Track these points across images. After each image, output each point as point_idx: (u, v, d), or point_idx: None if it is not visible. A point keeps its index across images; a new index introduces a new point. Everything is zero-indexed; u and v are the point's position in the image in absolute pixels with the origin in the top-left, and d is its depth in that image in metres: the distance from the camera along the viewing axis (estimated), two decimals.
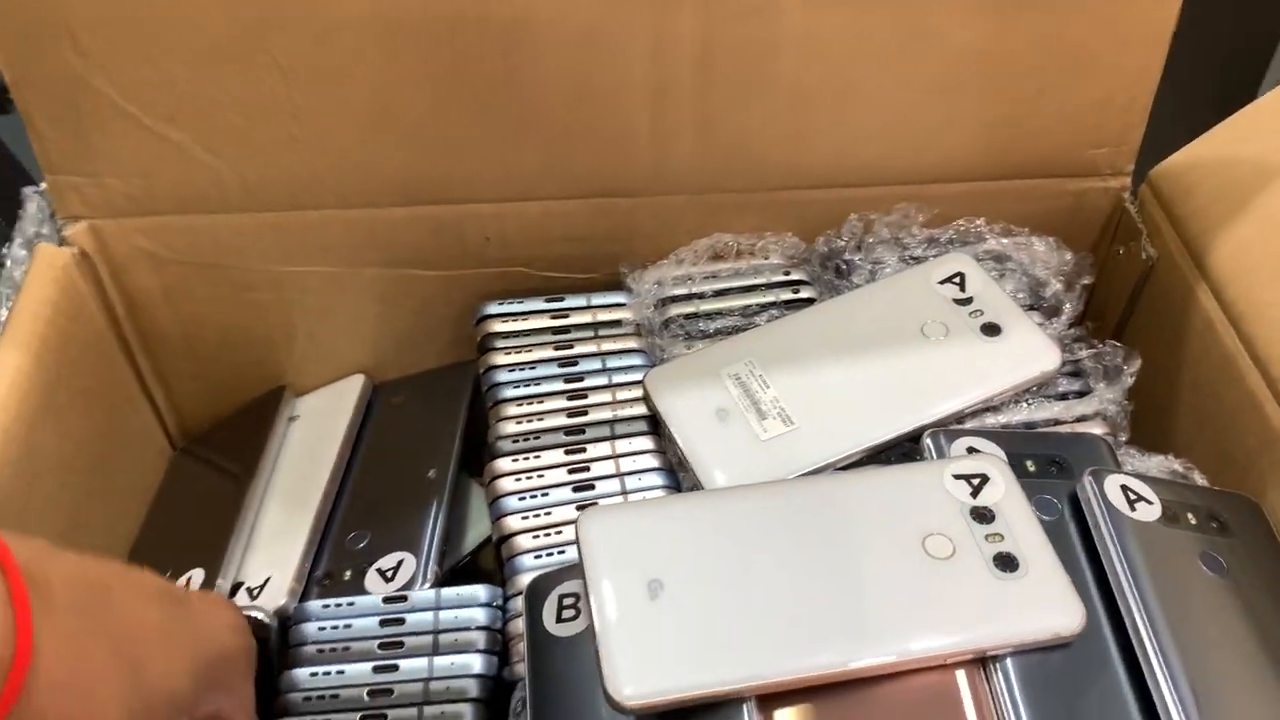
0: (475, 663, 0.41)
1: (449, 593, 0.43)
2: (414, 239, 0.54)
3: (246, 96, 0.48)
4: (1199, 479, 0.46)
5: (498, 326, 0.52)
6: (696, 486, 0.45)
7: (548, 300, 0.53)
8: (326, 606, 0.43)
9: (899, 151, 0.53)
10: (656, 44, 0.48)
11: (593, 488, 0.47)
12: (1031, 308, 0.52)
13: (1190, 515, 0.42)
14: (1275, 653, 0.39)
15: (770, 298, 0.53)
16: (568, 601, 0.40)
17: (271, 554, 0.50)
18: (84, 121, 0.49)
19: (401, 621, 0.42)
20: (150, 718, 0.30)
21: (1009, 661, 0.38)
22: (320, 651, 0.42)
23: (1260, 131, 0.51)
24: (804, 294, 0.53)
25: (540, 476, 0.47)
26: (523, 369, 0.51)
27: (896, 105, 0.51)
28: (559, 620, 0.40)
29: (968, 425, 0.46)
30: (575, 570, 0.40)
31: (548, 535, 0.45)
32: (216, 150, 0.50)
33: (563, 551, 0.45)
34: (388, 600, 0.43)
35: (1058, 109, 0.51)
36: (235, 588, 0.48)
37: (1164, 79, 0.51)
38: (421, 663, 0.41)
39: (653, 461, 0.48)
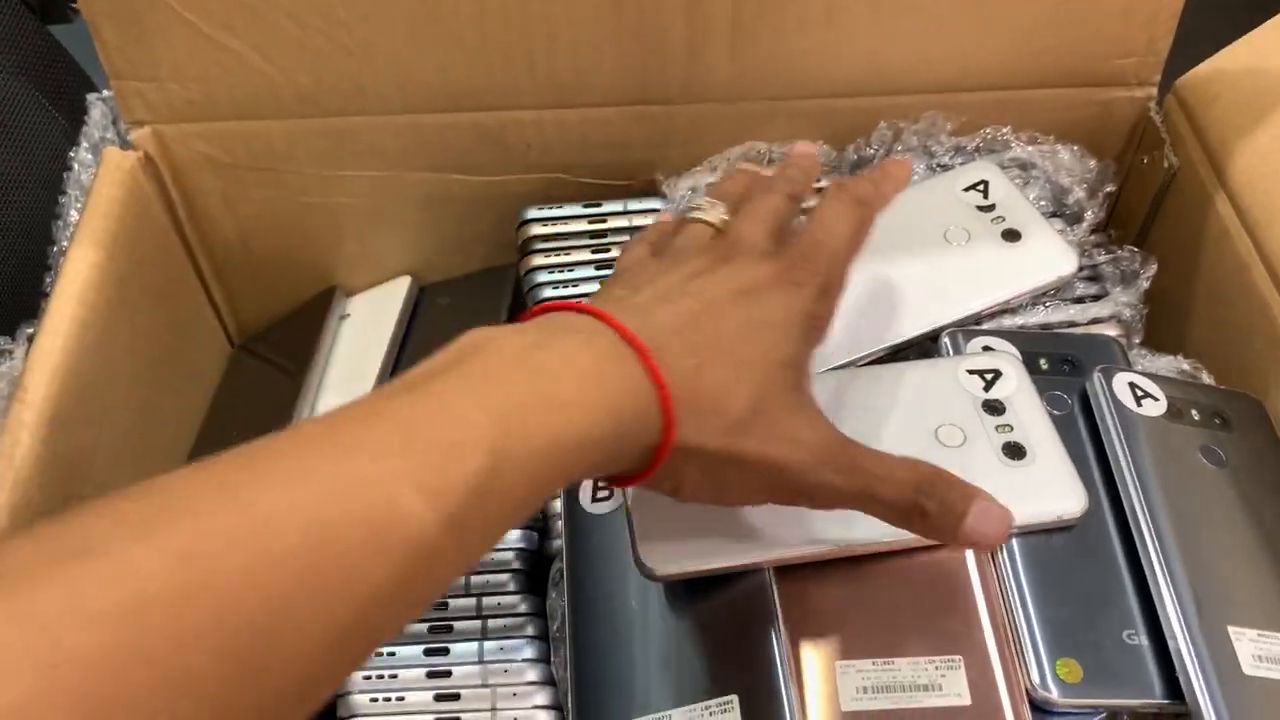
0: (516, 536, 0.44)
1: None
2: (458, 145, 0.56)
3: (298, 5, 0.51)
4: (1207, 379, 0.48)
5: (538, 230, 0.55)
6: None
7: (586, 205, 0.56)
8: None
9: (929, 59, 0.54)
10: None
11: None
12: (1054, 214, 0.53)
13: (1194, 411, 0.45)
14: (1267, 541, 0.42)
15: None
16: (602, 482, 0.43)
17: None
18: (146, 29, 0.51)
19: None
20: (774, 381, 0.34)
21: (1015, 545, 0.41)
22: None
23: None
24: None
25: None
26: (562, 270, 0.53)
27: (927, 12, 0.52)
28: (594, 500, 0.43)
29: (984, 325, 0.49)
30: None
31: None
32: (271, 58, 0.52)
33: None
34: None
35: (1086, 18, 0.52)
36: None
37: None
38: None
39: None
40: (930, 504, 0.34)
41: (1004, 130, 0.55)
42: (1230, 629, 0.38)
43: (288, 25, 0.51)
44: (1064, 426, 0.44)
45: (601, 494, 0.43)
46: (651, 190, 0.57)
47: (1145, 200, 0.56)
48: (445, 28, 0.52)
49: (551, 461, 0.29)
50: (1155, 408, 0.44)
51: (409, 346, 0.59)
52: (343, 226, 0.60)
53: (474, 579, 0.43)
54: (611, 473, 0.33)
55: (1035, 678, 0.38)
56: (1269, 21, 0.52)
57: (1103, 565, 0.41)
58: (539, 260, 0.54)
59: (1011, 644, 0.38)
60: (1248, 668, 0.38)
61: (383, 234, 0.60)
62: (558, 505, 0.45)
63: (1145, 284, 0.49)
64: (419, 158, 0.56)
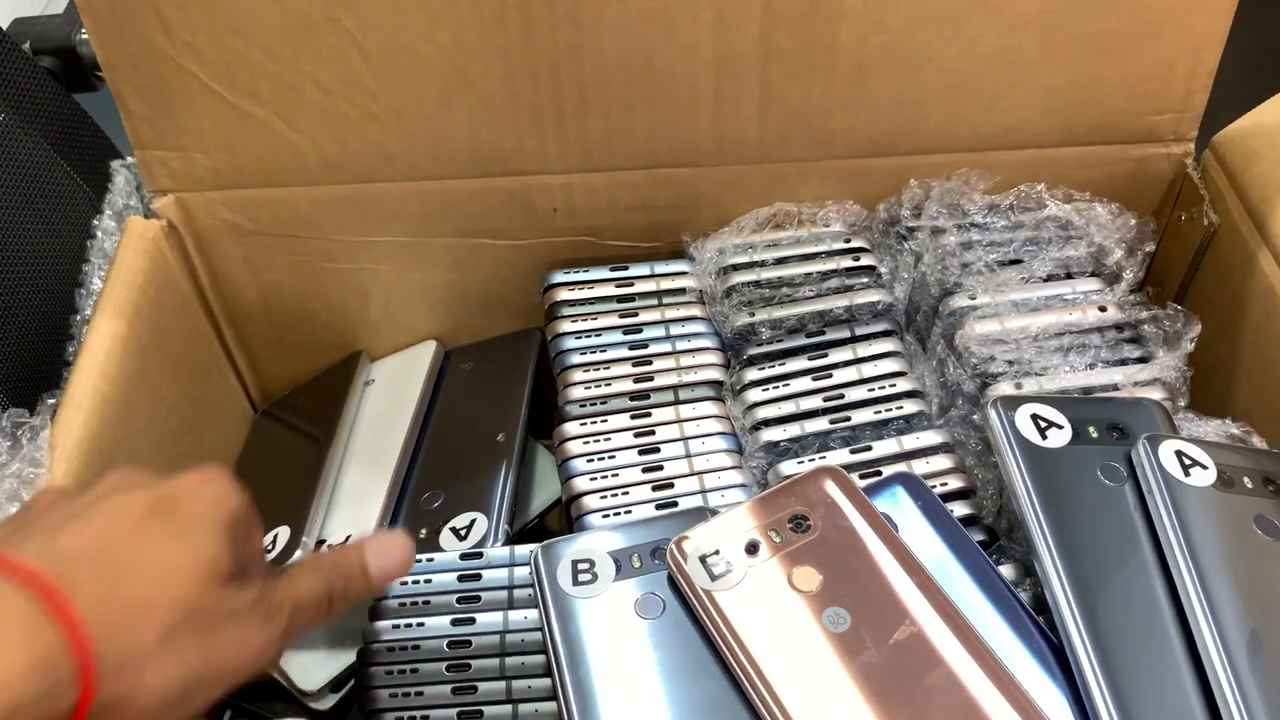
0: None
1: (522, 550, 0.45)
2: (485, 209, 0.55)
3: (324, 73, 0.50)
4: (1258, 443, 0.46)
5: (564, 295, 0.54)
6: None
7: (613, 269, 0.55)
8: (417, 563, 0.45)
9: (960, 119, 0.53)
10: (719, 15, 0.49)
11: (658, 450, 0.49)
12: (1093, 274, 0.52)
13: (1246, 479, 0.43)
14: None
15: (831, 265, 0.54)
16: (582, 566, 0.42)
17: (351, 512, 0.52)
18: (172, 98, 0.51)
19: (478, 577, 0.44)
20: (194, 618, 0.31)
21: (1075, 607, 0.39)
22: (402, 605, 0.44)
23: None
24: (864, 261, 0.54)
25: (607, 440, 0.49)
26: (589, 336, 0.53)
27: (957, 73, 0.51)
28: (575, 583, 0.42)
29: (1026, 392, 0.47)
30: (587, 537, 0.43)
31: (614, 496, 0.47)
32: (297, 125, 0.52)
33: (629, 511, 0.47)
34: (464, 557, 0.45)
35: (1120, 75, 0.51)
36: (319, 544, 0.50)
37: (1230, 44, 0.51)
38: (497, 617, 0.43)
39: (716, 426, 0.50)
40: (338, 582, 0.37)
41: (1039, 187, 0.54)
42: None
43: (314, 94, 0.51)
44: (1117, 500, 0.43)
45: (583, 577, 0.42)
46: (679, 253, 0.56)
47: (1184, 259, 0.55)
48: (476, 91, 0.51)
49: None
50: (1205, 477, 0.43)
51: (434, 412, 0.59)
52: (367, 291, 0.59)
53: (508, 660, 0.42)
54: None
55: None
56: None
57: (1160, 650, 0.39)
58: (566, 326, 0.53)
59: None
60: None
61: (407, 298, 0.60)
62: None
63: (1189, 345, 0.48)
64: (445, 222, 0.56)
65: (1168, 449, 0.43)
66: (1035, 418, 0.45)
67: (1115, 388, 0.48)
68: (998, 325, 0.50)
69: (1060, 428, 0.44)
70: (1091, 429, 0.45)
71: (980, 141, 0.54)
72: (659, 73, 0.51)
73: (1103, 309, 0.50)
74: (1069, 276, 0.52)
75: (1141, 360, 0.49)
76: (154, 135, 0.52)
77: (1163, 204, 0.56)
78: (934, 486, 0.46)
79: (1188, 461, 0.43)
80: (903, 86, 0.52)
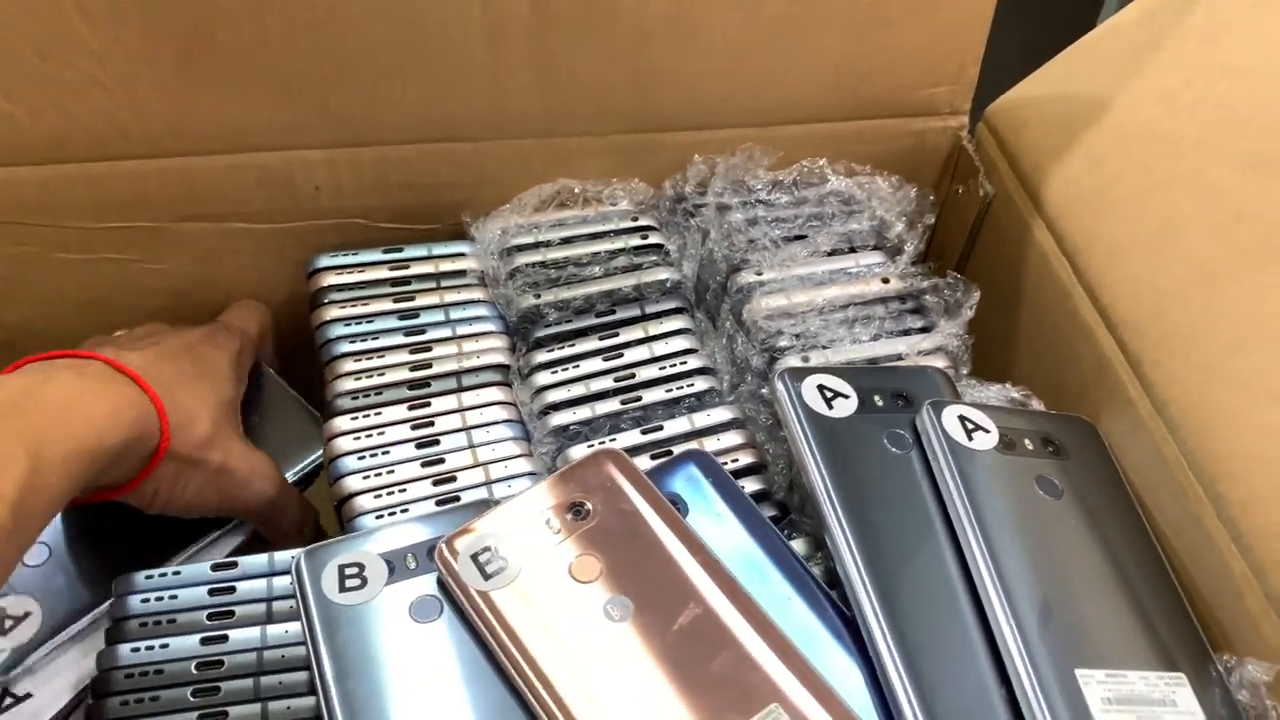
0: None
1: (282, 557, 0.40)
2: (237, 190, 0.50)
3: (43, 32, 0.44)
4: (1038, 405, 0.47)
5: (332, 279, 0.50)
6: None
7: (386, 251, 0.51)
8: (149, 578, 0.40)
9: (743, 92, 0.52)
10: None
11: (438, 442, 0.45)
12: (876, 247, 0.52)
13: (1027, 441, 0.43)
14: (1109, 573, 0.41)
15: (619, 244, 0.52)
16: (350, 571, 0.38)
17: None
18: None
19: (232, 590, 0.40)
20: (224, 411, 0.45)
21: (876, 601, 0.38)
22: (143, 625, 0.39)
23: (1090, 66, 0.52)
24: (652, 239, 0.52)
25: (381, 434, 0.45)
26: (360, 323, 0.49)
27: (740, 44, 0.50)
28: (343, 590, 0.38)
29: (814, 364, 0.46)
30: (356, 540, 0.40)
31: (390, 494, 0.44)
32: (13, 95, 0.46)
33: (406, 510, 0.43)
34: (216, 567, 0.40)
35: (898, 46, 0.51)
36: None
37: (1007, 17, 0.52)
38: (254, 633, 0.39)
39: (502, 414, 0.47)
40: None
41: (820, 162, 0.53)
42: (1078, 672, 0.37)
43: (31, 59, 0.45)
44: (904, 466, 0.42)
45: (351, 583, 0.38)
46: (459, 234, 0.53)
47: (963, 230, 0.55)
48: (221, 58, 0.46)
49: (73, 466, 0.37)
50: (987, 440, 0.43)
51: None
52: (110, 284, 0.53)
53: (264, 680, 0.38)
54: (116, 478, 0.40)
55: None
56: (1073, 45, 0.52)
57: (948, 607, 0.39)
58: (334, 312, 0.49)
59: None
60: (1098, 713, 0.36)
61: (156, 290, 0.54)
62: None
63: (969, 313, 0.48)
64: (192, 205, 0.51)
65: (951, 414, 0.43)
66: (821, 388, 0.44)
67: (900, 358, 0.47)
68: (784, 300, 0.49)
69: (846, 397, 0.44)
70: (877, 398, 0.44)
71: (764, 116, 0.53)
72: (428, 38, 0.47)
73: (885, 281, 0.50)
74: (852, 250, 0.52)
75: (924, 330, 0.49)
76: None
77: (941, 176, 0.57)
78: (725, 463, 0.44)
79: (970, 426, 0.43)
80: (685, 57, 0.50)
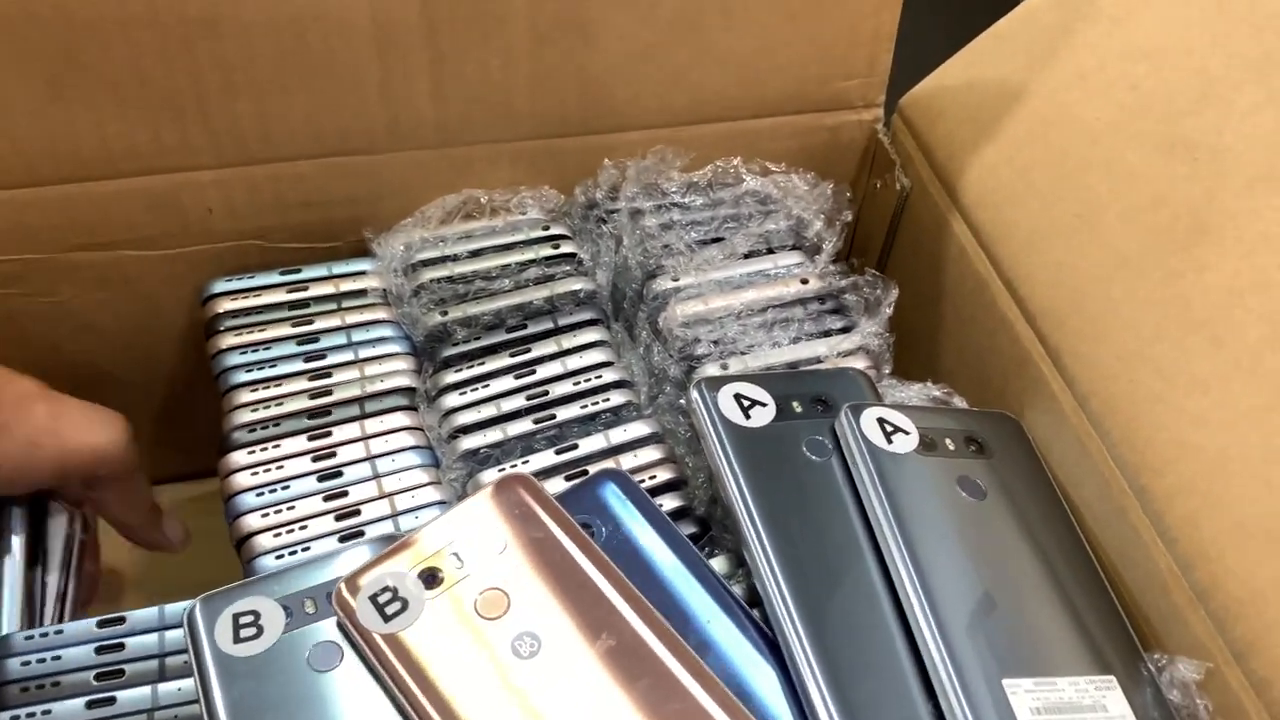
0: None
1: (174, 609, 0.38)
2: (125, 216, 0.48)
3: None
4: (960, 403, 0.45)
5: (227, 305, 0.48)
6: None
7: (283, 273, 0.49)
8: (30, 638, 0.38)
9: (648, 93, 0.50)
10: None
11: (341, 474, 0.43)
12: (794, 247, 0.51)
13: (948, 440, 0.42)
14: (1034, 576, 0.39)
15: (530, 254, 0.50)
16: (245, 619, 0.36)
17: None
18: None
19: (120, 647, 0.37)
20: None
21: (795, 613, 0.36)
22: (24, 690, 0.36)
23: (1003, 53, 0.51)
24: (564, 249, 0.50)
25: (280, 467, 0.43)
26: (256, 350, 0.46)
27: (639, 42, 0.48)
28: (237, 640, 0.36)
29: (732, 372, 0.45)
30: (252, 586, 0.37)
31: (291, 531, 0.41)
32: None
33: (308, 548, 0.41)
34: (103, 623, 0.38)
35: (805, 40, 0.50)
36: None
37: (918, 7, 0.50)
38: (144, 692, 0.36)
39: (409, 440, 0.45)
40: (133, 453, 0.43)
41: (734, 162, 0.52)
42: (1006, 682, 0.35)
43: None
44: (824, 473, 0.41)
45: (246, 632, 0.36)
46: (362, 251, 0.51)
47: (883, 225, 0.54)
48: (95, 77, 0.44)
49: None
50: (907, 442, 0.41)
51: None
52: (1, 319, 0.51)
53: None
54: None
55: None
56: (983, 34, 0.51)
57: (871, 618, 0.38)
58: (230, 340, 0.47)
59: None
60: None
61: (49, 325, 0.51)
62: None
63: (889, 311, 0.47)
64: (80, 234, 0.48)
65: (869, 417, 0.41)
66: (739, 397, 0.42)
67: (819, 360, 0.46)
68: (701, 306, 0.47)
69: (764, 405, 0.42)
70: (795, 404, 0.43)
71: (672, 116, 0.51)
72: (313, 48, 0.45)
73: (804, 281, 0.49)
74: (770, 251, 0.50)
75: (845, 330, 0.47)
76: None
77: (859, 171, 0.55)
78: (643, 480, 0.43)
79: (890, 428, 0.42)
80: (584, 58, 0.48)
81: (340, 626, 0.36)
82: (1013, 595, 0.38)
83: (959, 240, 0.49)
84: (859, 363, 0.46)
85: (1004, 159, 0.48)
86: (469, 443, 0.44)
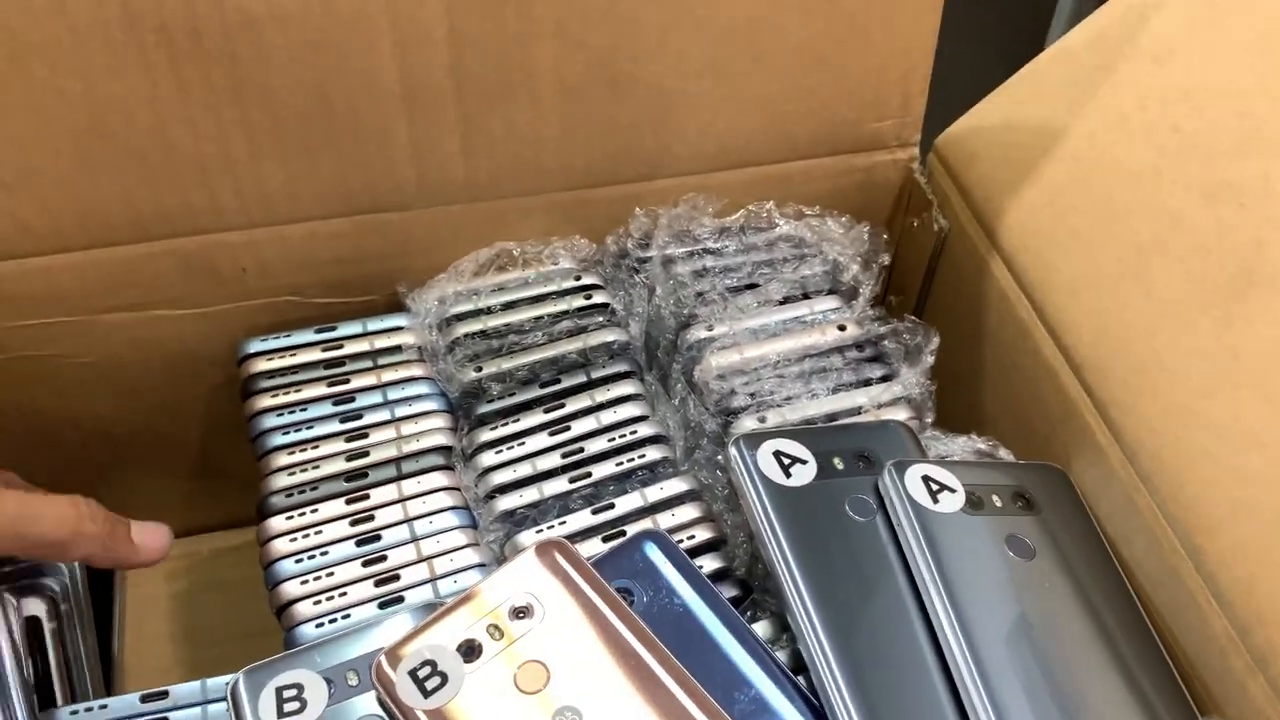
0: None
1: (216, 683, 0.38)
2: (156, 278, 0.48)
3: None
4: (1005, 455, 0.45)
5: (262, 365, 0.47)
6: None
7: (318, 330, 0.49)
8: (76, 713, 0.38)
9: (678, 140, 0.50)
10: (399, 42, 0.44)
11: (379, 538, 0.43)
12: (831, 291, 0.50)
13: (995, 497, 0.41)
14: (1085, 633, 0.39)
15: (563, 305, 0.50)
16: (288, 694, 0.36)
17: None
18: None
19: None
20: None
21: (837, 673, 0.36)
22: None
23: (1040, 92, 0.50)
24: (597, 299, 0.50)
25: (319, 533, 0.43)
26: (293, 411, 0.46)
27: (668, 92, 0.48)
28: (281, 715, 0.36)
29: (770, 427, 0.44)
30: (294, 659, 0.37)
31: (331, 599, 0.41)
32: None
33: (348, 615, 0.41)
34: (146, 698, 0.38)
35: (835, 82, 0.49)
36: None
37: (954, 45, 0.50)
38: None
39: (447, 500, 0.44)
40: (94, 525, 0.39)
41: (767, 206, 0.51)
42: None
43: None
44: (869, 533, 0.40)
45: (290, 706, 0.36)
46: (396, 303, 0.51)
47: (920, 265, 0.53)
48: (122, 146, 0.44)
49: None
50: (953, 501, 0.41)
51: None
52: (33, 381, 0.51)
53: None
54: None
55: None
56: (1019, 73, 0.50)
57: (920, 684, 0.37)
58: (266, 402, 0.47)
59: None
60: None
61: (86, 386, 0.51)
62: None
63: (930, 358, 0.46)
64: (113, 297, 0.48)
65: (914, 475, 0.41)
66: (779, 455, 0.42)
67: (859, 411, 0.45)
68: (737, 356, 0.47)
69: (804, 463, 0.42)
70: (837, 460, 0.42)
71: (703, 163, 0.51)
72: (338, 110, 0.45)
73: (842, 328, 0.48)
74: (806, 296, 0.50)
75: (885, 379, 0.47)
76: None
77: (894, 212, 0.55)
78: (682, 540, 0.42)
79: (935, 487, 0.41)
80: (613, 109, 0.48)
81: (380, 702, 0.36)
82: (1065, 658, 0.38)
83: (999, 284, 0.48)
84: (900, 413, 0.45)
85: (1044, 201, 0.47)
86: (506, 503, 0.44)
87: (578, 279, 0.51)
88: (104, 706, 0.38)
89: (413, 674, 0.36)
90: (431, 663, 0.36)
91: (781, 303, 0.49)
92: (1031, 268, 0.47)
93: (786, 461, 0.42)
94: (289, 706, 0.36)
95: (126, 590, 0.57)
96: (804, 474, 0.41)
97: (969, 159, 0.50)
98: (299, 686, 0.37)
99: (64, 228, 0.46)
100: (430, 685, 0.36)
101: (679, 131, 0.49)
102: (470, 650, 0.36)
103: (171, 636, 0.59)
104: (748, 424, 0.45)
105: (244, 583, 0.55)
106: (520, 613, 0.37)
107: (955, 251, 0.51)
